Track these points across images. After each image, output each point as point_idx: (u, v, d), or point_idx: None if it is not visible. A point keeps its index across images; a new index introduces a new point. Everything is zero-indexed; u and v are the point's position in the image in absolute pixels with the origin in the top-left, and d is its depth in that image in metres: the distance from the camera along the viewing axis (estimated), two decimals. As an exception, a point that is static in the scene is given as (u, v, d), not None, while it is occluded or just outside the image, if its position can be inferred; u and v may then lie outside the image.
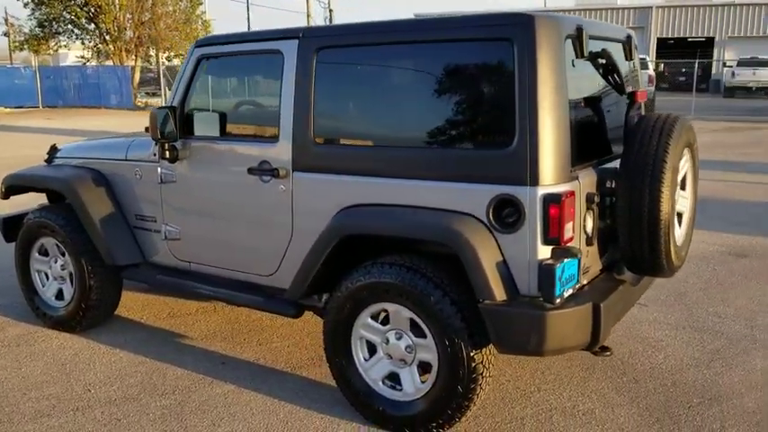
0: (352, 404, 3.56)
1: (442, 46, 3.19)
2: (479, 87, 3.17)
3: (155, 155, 4.16)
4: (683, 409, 3.66)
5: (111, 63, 31.67)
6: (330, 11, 37.81)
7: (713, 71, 36.09)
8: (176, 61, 34.08)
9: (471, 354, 3.14)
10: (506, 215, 3.05)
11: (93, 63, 32.52)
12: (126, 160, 4.36)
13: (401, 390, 3.41)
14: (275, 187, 3.67)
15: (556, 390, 3.88)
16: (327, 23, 32.79)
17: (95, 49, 32.14)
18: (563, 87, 3.02)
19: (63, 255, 4.62)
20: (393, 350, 3.38)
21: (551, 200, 2.95)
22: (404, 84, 3.36)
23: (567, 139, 3.03)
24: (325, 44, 3.50)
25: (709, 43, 38.37)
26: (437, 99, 3.25)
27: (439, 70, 3.24)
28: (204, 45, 3.97)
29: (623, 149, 3.31)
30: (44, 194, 5.00)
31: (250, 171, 3.74)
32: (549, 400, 3.77)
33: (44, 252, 4.75)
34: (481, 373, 3.19)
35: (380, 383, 3.47)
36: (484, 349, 3.18)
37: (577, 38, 3.16)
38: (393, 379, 3.45)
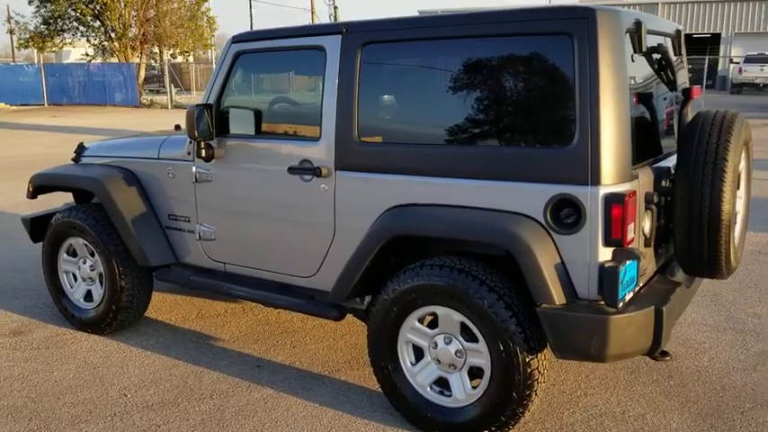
0: (397, 410, 3.46)
1: (497, 41, 3.09)
2: (536, 84, 3.07)
3: (189, 154, 4.06)
4: (737, 413, 3.56)
5: (117, 60, 31.57)
6: (335, 8, 37.66)
7: (719, 67, 35.94)
8: (181, 59, 34.00)
9: (527, 359, 3.04)
10: (565, 216, 2.95)
11: (98, 60, 32.43)
12: (158, 159, 4.26)
13: (450, 395, 3.31)
14: (317, 187, 3.58)
15: (603, 394, 3.78)
16: (332, 20, 32.66)
17: (101, 46, 32.03)
18: (624, 83, 2.92)
19: (92, 255, 4.53)
20: (442, 355, 3.29)
21: (614, 200, 2.85)
22: (454, 80, 3.25)
23: (629, 136, 2.93)
24: (371, 39, 3.39)
25: (715, 39, 38.20)
26: (491, 96, 3.14)
27: (493, 66, 3.14)
28: (241, 41, 3.86)
29: (680, 147, 3.22)
30: (56, 194, 4.90)
31: (290, 170, 3.64)
32: (598, 405, 3.67)
33: (72, 253, 4.65)
34: (536, 379, 3.09)
35: (428, 389, 3.37)
36: (539, 354, 3.08)
37: (636, 32, 3.05)
38: (441, 384, 3.36)
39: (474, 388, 3.25)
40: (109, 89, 30.11)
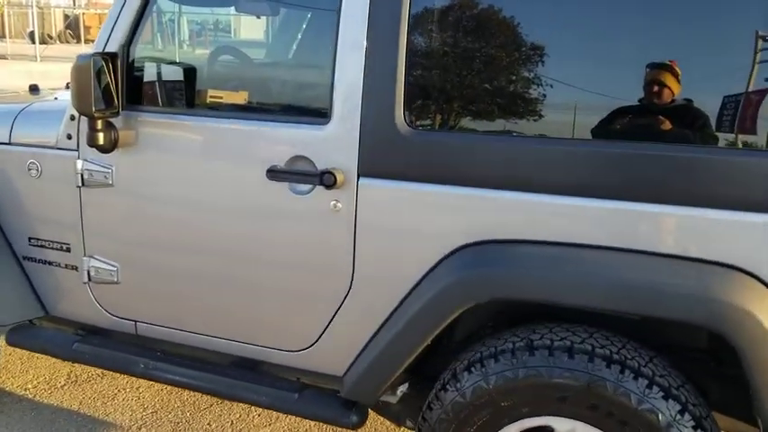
0: None
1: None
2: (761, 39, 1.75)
3: (69, 137, 2.37)
4: None
5: None
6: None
7: None
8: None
9: None
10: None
11: None
12: (10, 144, 2.50)
13: None
14: (322, 204, 2.07)
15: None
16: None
17: None
18: None
19: None
20: (557, 494, 1.95)
21: None
22: (591, 25, 1.86)
23: None
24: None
25: None
26: (660, 51, 1.79)
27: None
28: (170, -57, 2.21)
29: None
30: None
31: (272, 174, 2.09)
32: None
33: None
34: None
35: None
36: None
37: None
38: None
39: None
40: None
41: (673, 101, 1.77)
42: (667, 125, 1.79)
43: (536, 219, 1.85)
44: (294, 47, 2.68)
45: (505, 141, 1.90)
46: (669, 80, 1.74)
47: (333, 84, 2.01)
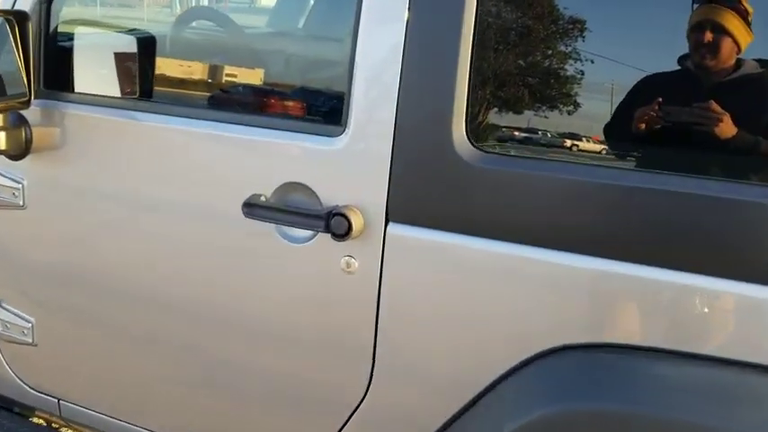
0: None
1: None
2: None
3: (-36, 136, 1.65)
4: None
5: None
6: None
7: None
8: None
9: None
10: None
11: None
12: None
13: None
14: (327, 260, 1.33)
15: None
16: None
17: None
18: None
19: None
20: None
21: None
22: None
23: None
24: None
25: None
26: None
27: None
28: None
29: None
30: None
31: (250, 210, 1.34)
32: None
33: None
34: None
35: None
36: None
37: None
38: None
39: None
40: None
41: None
42: None
43: (695, 314, 1.10)
44: (300, 15, 1.93)
45: (645, 181, 1.13)
46: None
47: (351, 74, 1.25)
